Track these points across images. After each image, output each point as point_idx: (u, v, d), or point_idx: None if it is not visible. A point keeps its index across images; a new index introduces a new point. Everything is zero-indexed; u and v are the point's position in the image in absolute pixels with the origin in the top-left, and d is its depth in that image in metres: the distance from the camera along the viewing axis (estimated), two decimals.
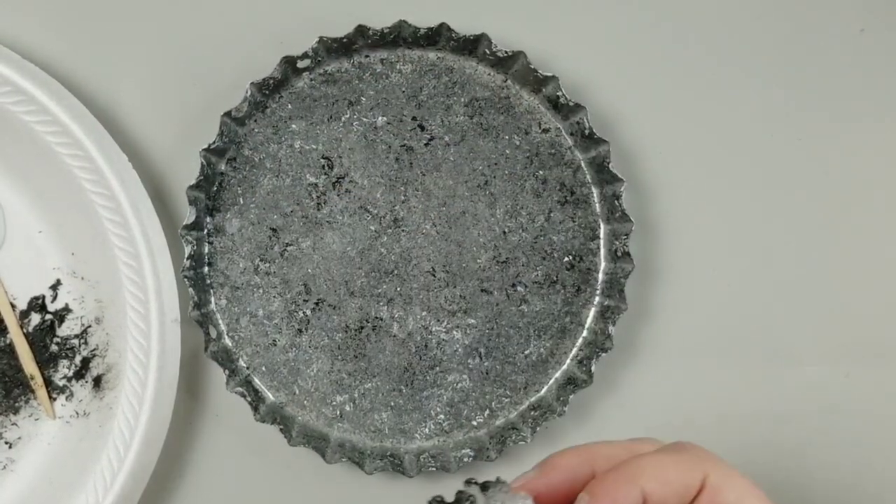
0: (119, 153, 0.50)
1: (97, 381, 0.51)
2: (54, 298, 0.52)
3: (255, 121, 0.52)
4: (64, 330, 0.52)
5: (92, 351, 0.51)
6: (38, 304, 0.52)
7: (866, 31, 0.54)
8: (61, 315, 0.52)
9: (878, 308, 0.54)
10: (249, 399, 0.50)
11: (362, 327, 0.52)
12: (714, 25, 0.54)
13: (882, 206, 0.55)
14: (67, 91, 0.50)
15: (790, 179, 0.54)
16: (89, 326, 0.52)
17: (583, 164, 0.52)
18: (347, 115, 0.52)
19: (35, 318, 0.52)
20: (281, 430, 0.50)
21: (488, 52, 0.51)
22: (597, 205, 0.52)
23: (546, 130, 0.52)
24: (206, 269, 0.51)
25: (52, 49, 0.52)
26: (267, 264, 0.52)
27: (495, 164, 0.52)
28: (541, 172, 0.52)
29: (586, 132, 0.51)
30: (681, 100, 0.54)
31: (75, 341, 0.52)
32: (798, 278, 0.54)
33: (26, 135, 0.50)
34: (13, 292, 0.52)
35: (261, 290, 0.51)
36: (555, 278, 0.52)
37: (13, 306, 0.52)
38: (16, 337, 0.52)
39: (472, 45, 0.51)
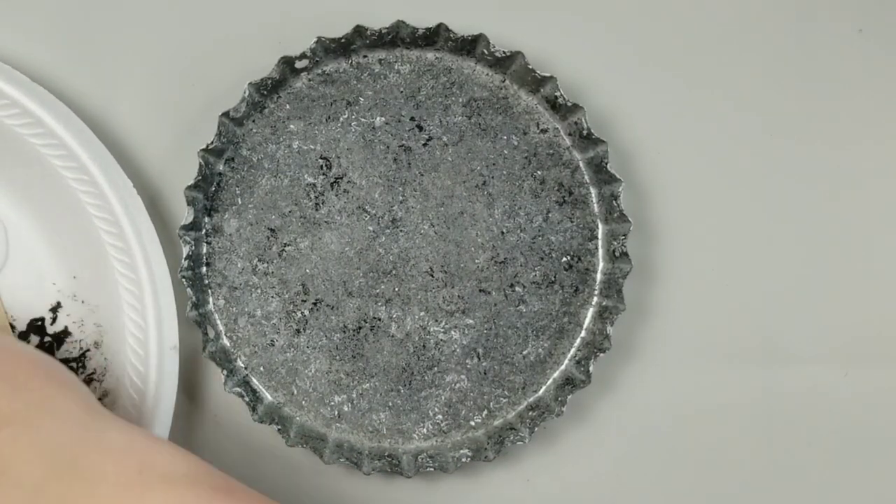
0: (125, 179, 0.50)
1: None
2: (54, 321, 0.52)
3: (254, 121, 0.52)
4: (62, 353, 0.52)
5: (89, 375, 0.51)
6: (37, 326, 0.52)
7: (864, 31, 0.54)
8: (60, 338, 0.52)
9: (878, 308, 0.54)
10: (247, 399, 0.50)
11: (360, 327, 0.52)
12: (712, 26, 0.54)
13: (882, 205, 0.55)
14: (75, 114, 0.50)
15: (789, 179, 0.54)
16: (88, 350, 0.52)
17: (581, 165, 0.52)
18: (346, 116, 0.52)
19: (34, 340, 0.52)
20: (279, 430, 0.50)
21: (486, 52, 0.51)
22: (595, 205, 0.52)
23: (544, 131, 0.52)
24: (203, 269, 0.51)
25: (49, 49, 0.53)
26: (265, 264, 0.52)
27: (493, 164, 0.52)
28: (539, 172, 0.52)
29: (584, 132, 0.51)
30: (679, 100, 0.54)
31: (73, 365, 0.51)
32: (797, 278, 0.54)
33: (33, 157, 0.50)
34: (13, 313, 0.52)
35: (259, 291, 0.51)
36: (553, 278, 0.52)
37: (13, 327, 0.52)
38: None
39: (471, 46, 0.51)
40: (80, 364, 0.51)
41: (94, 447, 0.40)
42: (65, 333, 0.52)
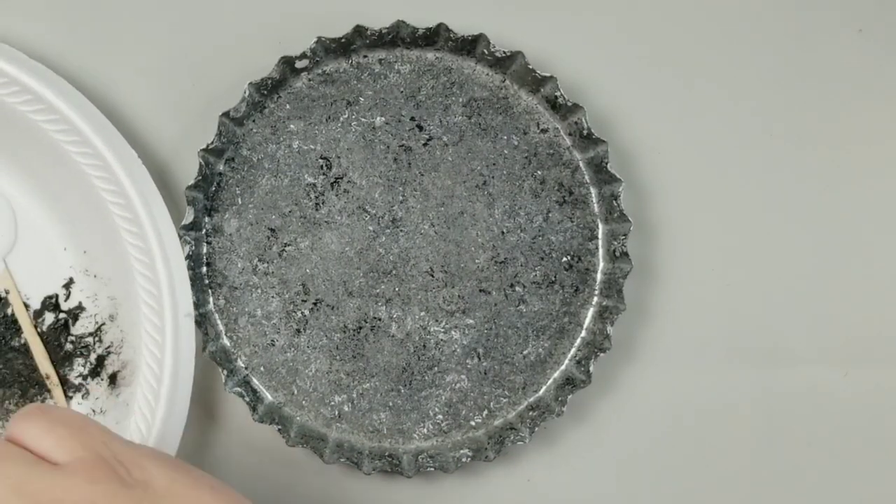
0: (128, 149, 0.50)
1: (112, 379, 0.51)
2: (67, 297, 0.52)
3: (254, 121, 0.52)
4: (78, 328, 0.52)
5: (106, 348, 0.51)
6: (51, 304, 0.52)
7: (865, 31, 0.54)
8: (75, 313, 0.52)
9: (878, 308, 0.54)
10: (248, 399, 0.50)
11: (361, 327, 0.52)
12: (713, 25, 0.54)
13: (882, 206, 0.55)
14: (75, 89, 0.50)
15: (789, 179, 0.54)
16: (103, 324, 0.52)
17: (581, 165, 0.52)
18: (346, 116, 0.52)
19: (49, 318, 0.52)
20: (279, 430, 0.50)
21: (486, 52, 0.51)
22: (595, 205, 0.52)
23: (544, 130, 0.52)
24: (204, 269, 0.51)
25: (50, 50, 0.53)
26: (265, 264, 0.52)
27: (493, 164, 0.52)
28: (539, 172, 0.52)
29: (584, 132, 0.51)
30: (679, 100, 0.54)
31: (90, 339, 0.51)
32: (797, 278, 0.54)
33: (35, 134, 0.50)
34: (26, 292, 0.52)
35: (259, 291, 0.51)
36: (553, 278, 0.52)
37: (27, 306, 0.52)
38: (30, 337, 0.51)
39: (471, 46, 0.51)
40: (96, 338, 0.51)
41: None
42: (79, 309, 0.52)
